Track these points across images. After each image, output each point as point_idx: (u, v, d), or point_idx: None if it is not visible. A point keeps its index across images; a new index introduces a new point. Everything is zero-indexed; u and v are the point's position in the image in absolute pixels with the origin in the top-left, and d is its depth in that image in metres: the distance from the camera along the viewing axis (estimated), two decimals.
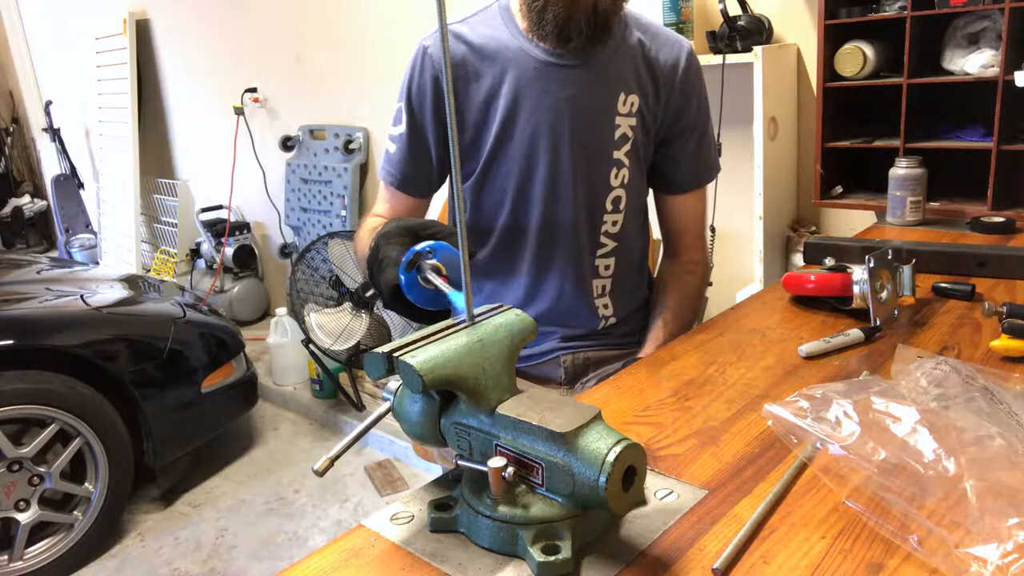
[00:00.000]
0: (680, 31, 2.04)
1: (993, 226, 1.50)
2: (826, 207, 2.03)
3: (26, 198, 6.03)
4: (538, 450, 0.60)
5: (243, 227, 4.00)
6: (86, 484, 2.23)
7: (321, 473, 0.66)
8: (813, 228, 2.15)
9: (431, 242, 0.80)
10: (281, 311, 3.25)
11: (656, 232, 1.44)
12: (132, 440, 2.32)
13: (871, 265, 1.05)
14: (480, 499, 0.64)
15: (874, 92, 1.83)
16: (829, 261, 1.17)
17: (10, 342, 2.14)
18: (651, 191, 1.34)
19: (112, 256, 4.64)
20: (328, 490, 2.61)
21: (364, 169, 3.42)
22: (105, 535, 2.33)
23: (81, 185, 5.33)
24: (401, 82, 1.22)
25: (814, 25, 1.93)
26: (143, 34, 4.36)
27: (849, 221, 2.09)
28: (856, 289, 1.08)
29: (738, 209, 2.15)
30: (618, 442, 0.58)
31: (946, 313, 1.12)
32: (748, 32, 1.95)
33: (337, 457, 0.67)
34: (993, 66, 1.60)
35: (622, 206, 1.25)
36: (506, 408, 0.63)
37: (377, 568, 0.63)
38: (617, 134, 1.20)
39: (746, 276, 2.17)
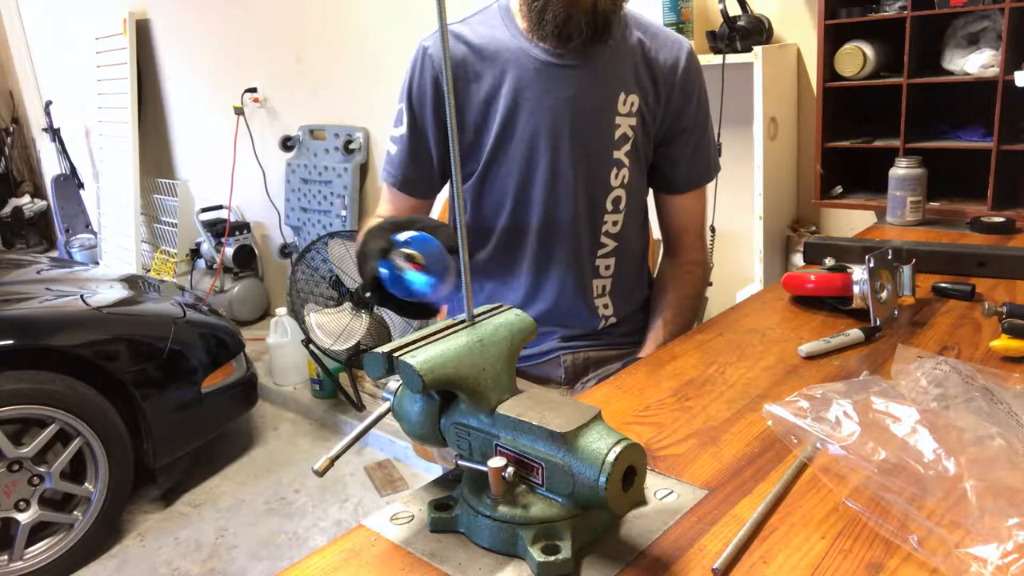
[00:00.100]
0: (680, 31, 2.04)
1: (993, 226, 1.50)
2: (826, 207, 2.03)
3: (26, 198, 6.03)
4: (538, 450, 0.60)
5: (243, 227, 4.00)
6: (86, 484, 2.23)
7: (321, 473, 0.66)
8: (813, 228, 2.15)
9: (413, 233, 0.80)
10: (281, 311, 3.25)
11: (656, 232, 1.44)
12: (132, 440, 2.32)
13: (871, 265, 1.05)
14: (480, 499, 0.64)
15: (874, 92, 1.83)
16: (829, 261, 1.17)
17: (10, 342, 2.14)
18: (651, 191, 1.34)
19: (112, 256, 4.64)
20: (328, 490, 2.61)
21: (364, 169, 3.42)
22: (105, 535, 2.33)
23: (81, 185, 5.33)
24: (402, 83, 1.22)
25: (814, 25, 1.93)
26: (143, 34, 4.36)
27: (849, 221, 2.09)
28: (856, 289, 1.08)
29: (738, 209, 2.15)
30: (618, 442, 0.58)
31: (946, 313, 1.12)
32: (748, 32, 1.95)
33: (337, 457, 0.67)
34: (993, 66, 1.60)
35: (622, 206, 1.25)
36: (506, 408, 0.63)
37: (377, 568, 0.63)
38: (617, 134, 1.20)
39: (746, 276, 2.17)
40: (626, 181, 1.24)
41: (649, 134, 1.24)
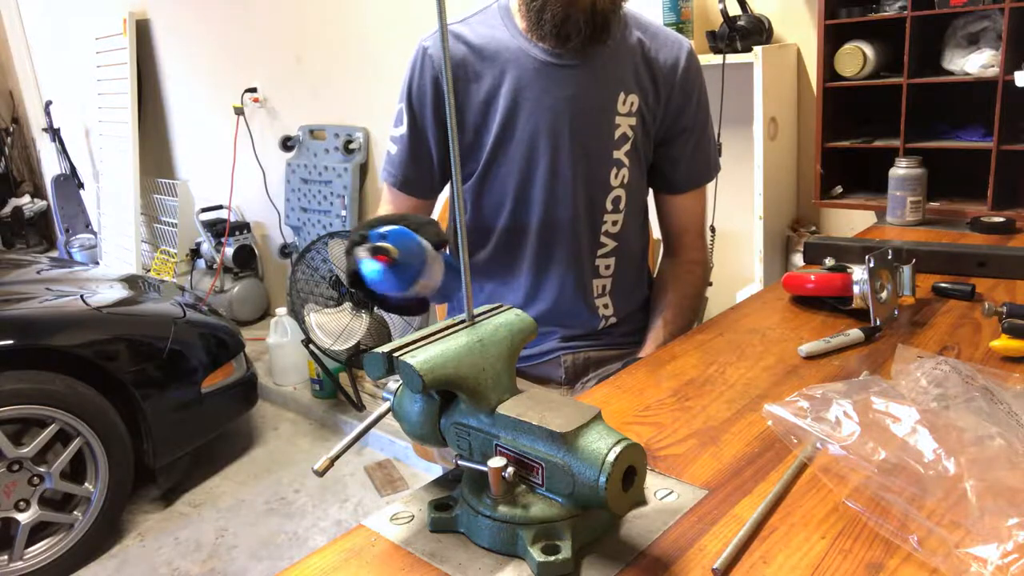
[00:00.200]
0: (680, 31, 2.04)
1: (993, 226, 1.50)
2: (826, 207, 2.03)
3: (26, 198, 6.03)
4: (538, 450, 0.60)
5: (243, 227, 4.00)
6: (86, 484, 2.23)
7: (321, 473, 0.66)
8: (813, 228, 2.15)
9: (392, 227, 0.79)
10: (281, 311, 3.25)
11: (656, 232, 1.44)
12: (132, 440, 2.32)
13: (871, 265, 1.05)
14: (480, 499, 0.64)
15: (874, 92, 1.83)
16: (829, 261, 1.17)
17: (10, 342, 2.14)
18: (651, 191, 1.34)
19: (112, 256, 4.64)
20: (328, 490, 2.61)
21: (364, 169, 3.42)
22: (105, 535, 2.33)
23: (81, 185, 5.33)
24: (402, 83, 1.22)
25: (814, 25, 1.93)
26: (143, 34, 4.36)
27: (849, 221, 2.09)
28: (856, 289, 1.08)
29: (738, 209, 2.15)
30: (618, 442, 0.58)
31: (946, 313, 1.12)
32: (748, 32, 1.95)
33: (337, 457, 0.67)
34: (993, 66, 1.60)
35: (622, 206, 1.25)
36: (506, 408, 0.63)
37: (377, 568, 0.63)
38: (617, 134, 1.20)
39: (746, 276, 2.17)
40: (626, 181, 1.24)
41: (649, 134, 1.24)
